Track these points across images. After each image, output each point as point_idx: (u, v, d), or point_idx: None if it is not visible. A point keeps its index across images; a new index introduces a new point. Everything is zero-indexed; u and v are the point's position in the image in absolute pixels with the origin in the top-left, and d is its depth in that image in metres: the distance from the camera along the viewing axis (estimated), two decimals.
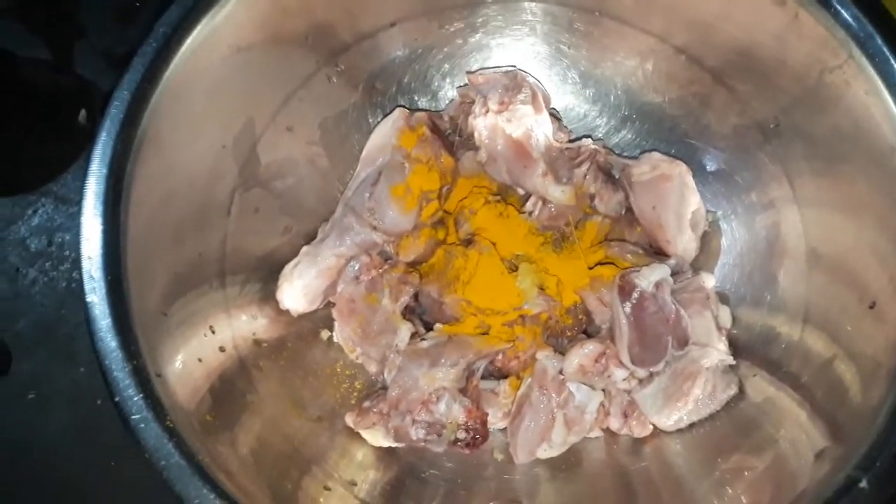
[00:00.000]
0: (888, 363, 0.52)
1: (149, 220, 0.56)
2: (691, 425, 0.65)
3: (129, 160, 0.55)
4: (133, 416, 0.48)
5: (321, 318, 0.70)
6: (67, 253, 0.79)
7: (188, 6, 0.58)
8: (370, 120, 0.75)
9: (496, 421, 0.66)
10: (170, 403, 0.50)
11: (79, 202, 0.52)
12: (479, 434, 0.61)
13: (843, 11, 0.57)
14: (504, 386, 0.66)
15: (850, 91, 0.58)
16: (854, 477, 0.49)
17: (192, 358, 0.56)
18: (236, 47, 0.61)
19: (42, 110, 0.87)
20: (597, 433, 0.66)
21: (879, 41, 0.56)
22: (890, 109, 0.56)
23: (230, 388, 0.59)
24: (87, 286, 0.51)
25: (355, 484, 0.60)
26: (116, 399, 0.49)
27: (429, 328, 0.69)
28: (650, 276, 0.62)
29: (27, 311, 0.78)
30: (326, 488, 0.58)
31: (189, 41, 0.57)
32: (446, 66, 0.76)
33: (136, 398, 0.49)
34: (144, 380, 0.49)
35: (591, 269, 0.66)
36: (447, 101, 0.77)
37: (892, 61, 0.56)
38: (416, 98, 0.77)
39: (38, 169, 0.84)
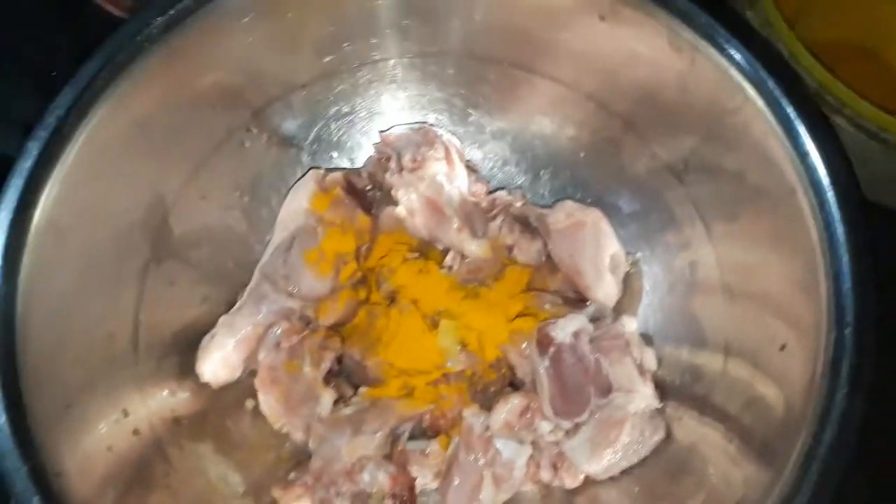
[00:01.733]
0: (799, 407, 0.53)
1: (49, 311, 0.54)
2: (623, 472, 0.65)
3: (22, 253, 0.53)
4: None
5: (246, 387, 0.69)
6: None
7: (82, 87, 0.57)
8: (288, 180, 0.74)
9: (428, 482, 0.65)
10: (72, 502, 0.48)
11: None
12: (406, 500, 0.60)
13: (735, 55, 0.58)
14: (434, 446, 0.65)
15: (750, 133, 0.59)
16: None
17: (100, 448, 0.55)
18: (137, 122, 0.60)
19: None
20: (529, 486, 0.66)
21: (772, 84, 0.57)
22: (788, 151, 0.56)
23: (145, 474, 0.57)
24: None
25: None
26: (13, 503, 0.47)
27: (357, 388, 0.68)
28: (567, 328, 0.62)
29: None
30: None
31: (85, 121, 0.56)
32: (362, 123, 0.76)
33: (34, 501, 0.47)
34: (41, 480, 0.48)
35: (511, 321, 0.66)
36: (366, 158, 0.77)
37: (785, 104, 0.57)
38: (334, 156, 0.76)
39: None
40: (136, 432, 0.59)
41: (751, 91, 0.58)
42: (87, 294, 0.58)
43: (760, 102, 0.57)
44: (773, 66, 0.58)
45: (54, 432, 0.51)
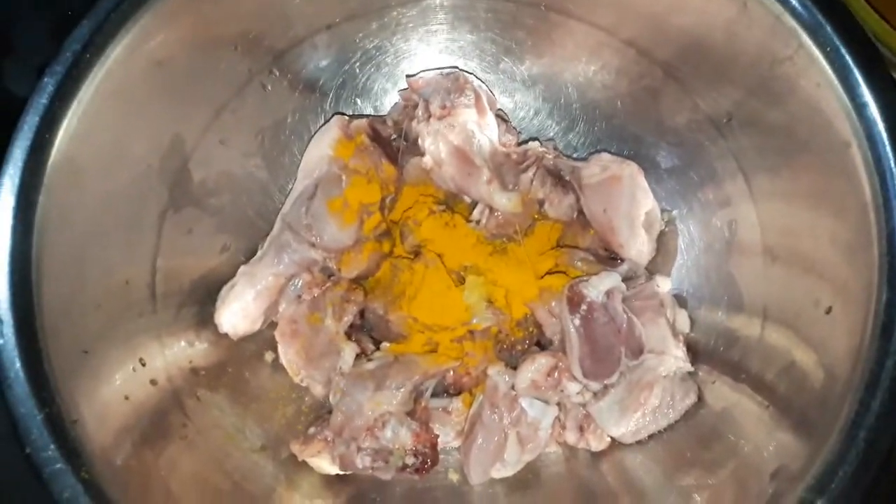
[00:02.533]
0: (844, 374, 0.50)
1: (65, 252, 0.53)
2: (650, 437, 0.63)
3: (39, 186, 0.51)
4: (46, 469, 0.45)
5: (265, 339, 0.67)
6: None
7: (100, 21, 0.54)
8: (311, 127, 0.71)
9: (449, 440, 0.63)
10: (88, 451, 0.47)
11: None
12: (428, 458, 0.59)
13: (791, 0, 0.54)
14: (457, 403, 0.64)
15: (801, 83, 0.55)
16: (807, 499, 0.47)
17: (117, 396, 0.53)
18: (157, 61, 0.58)
19: None
20: (554, 448, 0.64)
21: (829, 30, 0.53)
22: (843, 102, 0.53)
23: (162, 425, 0.56)
24: None
25: None
26: (28, 451, 0.45)
27: (379, 344, 0.66)
28: (600, 286, 0.59)
29: None
30: None
31: (103, 58, 0.54)
32: (389, 67, 0.72)
33: (49, 449, 0.46)
34: (58, 428, 0.46)
35: (540, 278, 0.63)
36: (391, 105, 0.73)
37: (844, 52, 0.53)
38: (358, 102, 0.73)
39: None
40: (153, 382, 0.57)
41: (805, 38, 0.54)
42: (105, 238, 0.56)
43: (815, 50, 0.54)
44: (830, 11, 0.54)
45: (71, 379, 0.49)
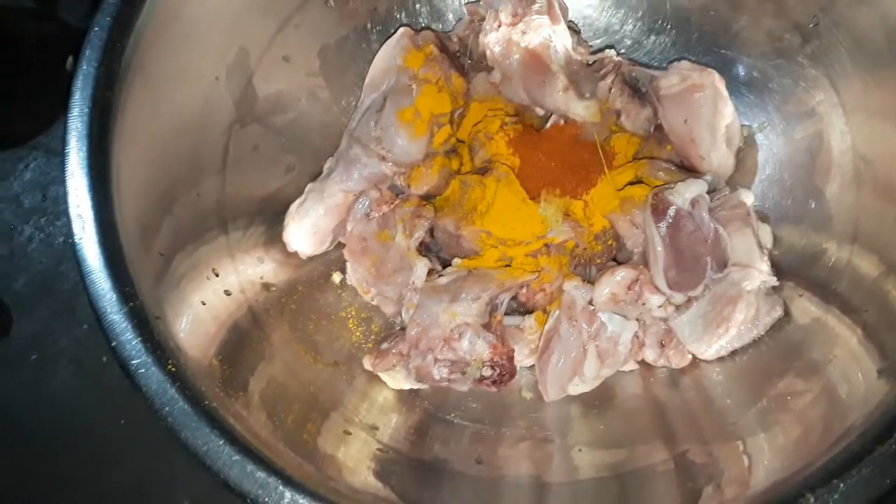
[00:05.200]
0: None
1: (139, 157, 0.52)
2: (733, 353, 0.60)
3: (113, 90, 0.50)
4: (132, 362, 0.44)
5: (332, 260, 0.66)
6: (63, 207, 0.75)
7: None
8: (373, 45, 0.69)
9: (523, 358, 0.62)
10: (172, 346, 0.46)
11: None
12: (505, 370, 0.57)
13: None
14: (530, 321, 0.62)
15: None
16: None
17: (194, 301, 0.52)
18: None
19: (28, 60, 0.83)
20: (631, 366, 0.62)
21: None
22: None
23: (239, 334, 0.55)
24: (76, 225, 0.47)
25: (377, 428, 0.57)
26: (113, 344, 0.45)
27: (445, 265, 0.64)
28: (685, 193, 0.56)
29: (25, 269, 0.74)
30: (347, 433, 0.54)
31: None
32: None
33: (134, 342, 0.45)
34: (143, 322, 0.45)
35: (619, 190, 0.61)
36: (455, 21, 0.71)
37: None
38: (420, 19, 0.71)
39: (28, 122, 0.80)
40: (227, 293, 0.56)
41: None
42: (176, 147, 0.56)
43: None
44: None
45: (150, 277, 0.49)
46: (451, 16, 0.71)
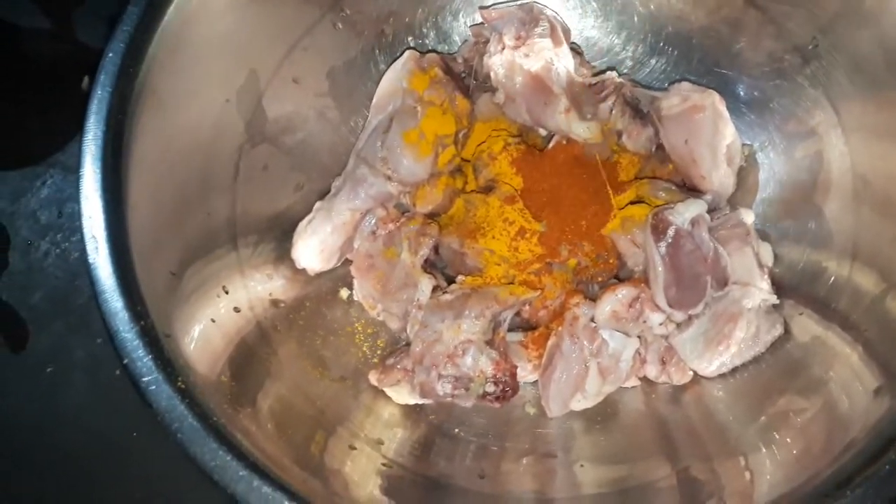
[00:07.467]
0: None
1: (151, 178, 0.53)
2: (734, 370, 0.61)
3: (127, 113, 0.52)
4: (143, 379, 0.46)
5: (339, 276, 0.68)
6: (78, 223, 0.77)
7: None
8: (380, 67, 0.71)
9: (526, 374, 0.63)
10: (181, 364, 0.47)
11: None
12: (508, 386, 0.58)
13: None
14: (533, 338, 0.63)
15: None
16: None
17: (204, 318, 0.54)
18: None
19: (44, 80, 0.85)
20: (633, 382, 0.63)
21: None
22: None
23: (247, 350, 0.56)
24: (89, 246, 0.49)
25: (382, 443, 0.58)
26: (125, 361, 0.46)
27: (450, 282, 0.65)
28: (685, 213, 0.57)
29: (41, 284, 0.76)
30: (352, 448, 0.56)
31: None
32: (457, 4, 0.72)
33: (145, 359, 0.46)
34: (153, 340, 0.47)
35: (621, 209, 0.62)
36: (460, 43, 0.73)
37: None
38: (426, 42, 0.73)
39: (45, 140, 0.82)
40: (236, 310, 0.58)
41: None
42: (187, 166, 0.57)
43: None
44: None
45: (161, 296, 0.50)
46: (457, 37, 0.73)
